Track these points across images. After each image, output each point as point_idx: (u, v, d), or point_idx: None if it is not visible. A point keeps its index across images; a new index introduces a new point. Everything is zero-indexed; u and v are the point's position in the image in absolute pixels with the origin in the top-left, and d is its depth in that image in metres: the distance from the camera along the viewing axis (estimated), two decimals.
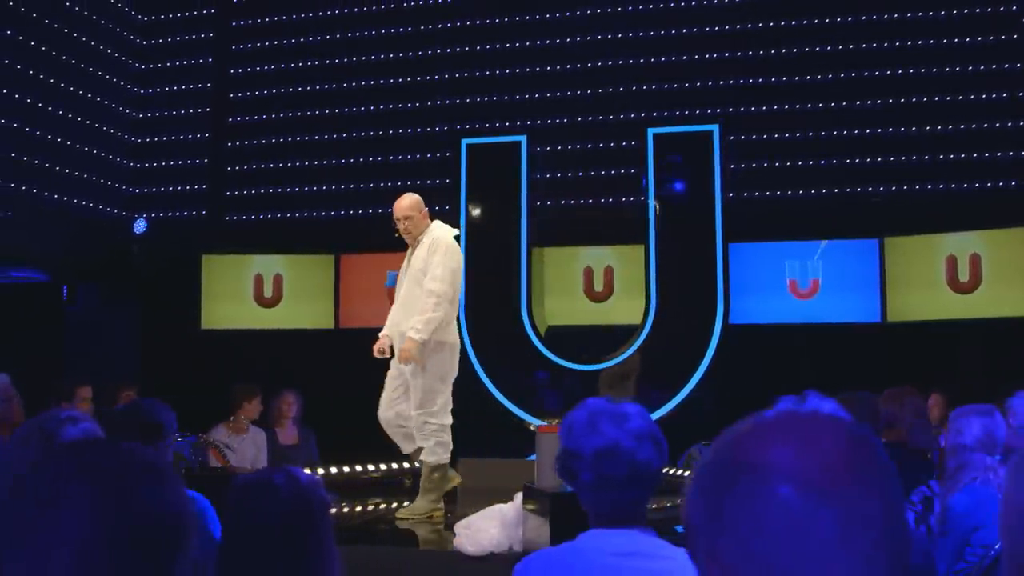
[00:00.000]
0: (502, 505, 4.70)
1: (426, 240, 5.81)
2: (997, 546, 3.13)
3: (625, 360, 7.52)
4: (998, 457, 3.54)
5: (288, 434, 7.59)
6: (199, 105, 10.36)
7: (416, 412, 5.74)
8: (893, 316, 8.07)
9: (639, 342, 7.50)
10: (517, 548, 4.46)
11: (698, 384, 7.41)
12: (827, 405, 2.27)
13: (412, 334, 5.56)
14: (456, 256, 5.82)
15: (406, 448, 5.94)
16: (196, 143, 10.34)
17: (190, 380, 8.45)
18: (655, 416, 7.17)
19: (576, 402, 2.26)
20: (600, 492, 2.09)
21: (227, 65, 10.35)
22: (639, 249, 7.77)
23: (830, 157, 8.78)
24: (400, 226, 5.85)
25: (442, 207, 8.92)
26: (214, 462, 6.48)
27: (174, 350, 9.07)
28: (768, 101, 8.92)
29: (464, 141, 7.93)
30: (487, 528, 4.58)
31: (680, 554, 1.94)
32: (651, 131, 7.73)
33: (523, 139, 7.82)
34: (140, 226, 9.24)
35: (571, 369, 7.59)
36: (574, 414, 2.17)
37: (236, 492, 2.07)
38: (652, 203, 7.59)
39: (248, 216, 10.10)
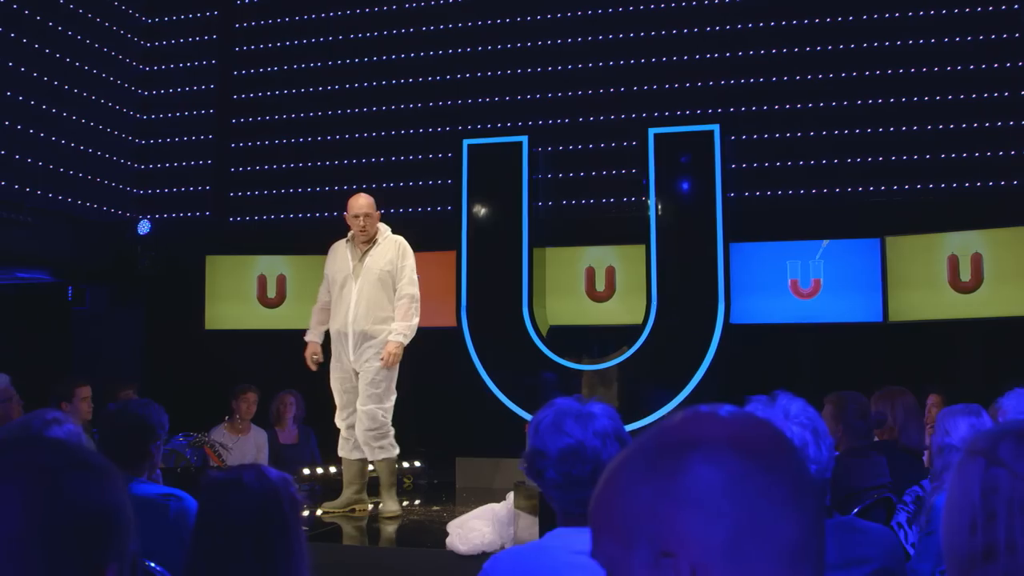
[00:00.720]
0: (494, 504, 4.73)
1: (384, 241, 5.97)
2: None
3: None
4: None
5: (288, 434, 7.64)
6: (203, 107, 10.40)
7: (377, 407, 5.86)
8: (895, 316, 8.03)
9: (640, 342, 7.50)
10: (509, 547, 4.48)
11: (699, 384, 7.39)
12: (796, 405, 2.28)
13: (400, 339, 5.79)
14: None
15: (355, 455, 6.04)
16: (200, 144, 10.38)
17: (194, 380, 8.50)
18: (656, 416, 7.18)
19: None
20: (566, 491, 2.11)
21: (231, 67, 10.40)
22: (641, 249, 7.76)
23: (831, 156, 8.75)
24: (359, 223, 5.96)
25: (444, 208, 8.98)
26: (211, 462, 6.52)
27: (178, 350, 9.11)
28: (768, 101, 8.90)
29: (466, 142, 7.93)
30: (479, 527, 4.61)
31: None
32: (652, 131, 7.72)
33: (524, 139, 7.82)
34: (144, 227, 9.28)
35: (573, 369, 7.59)
36: (541, 414, 2.19)
37: (207, 490, 2.10)
38: (653, 203, 7.58)
39: (252, 217, 10.15)
